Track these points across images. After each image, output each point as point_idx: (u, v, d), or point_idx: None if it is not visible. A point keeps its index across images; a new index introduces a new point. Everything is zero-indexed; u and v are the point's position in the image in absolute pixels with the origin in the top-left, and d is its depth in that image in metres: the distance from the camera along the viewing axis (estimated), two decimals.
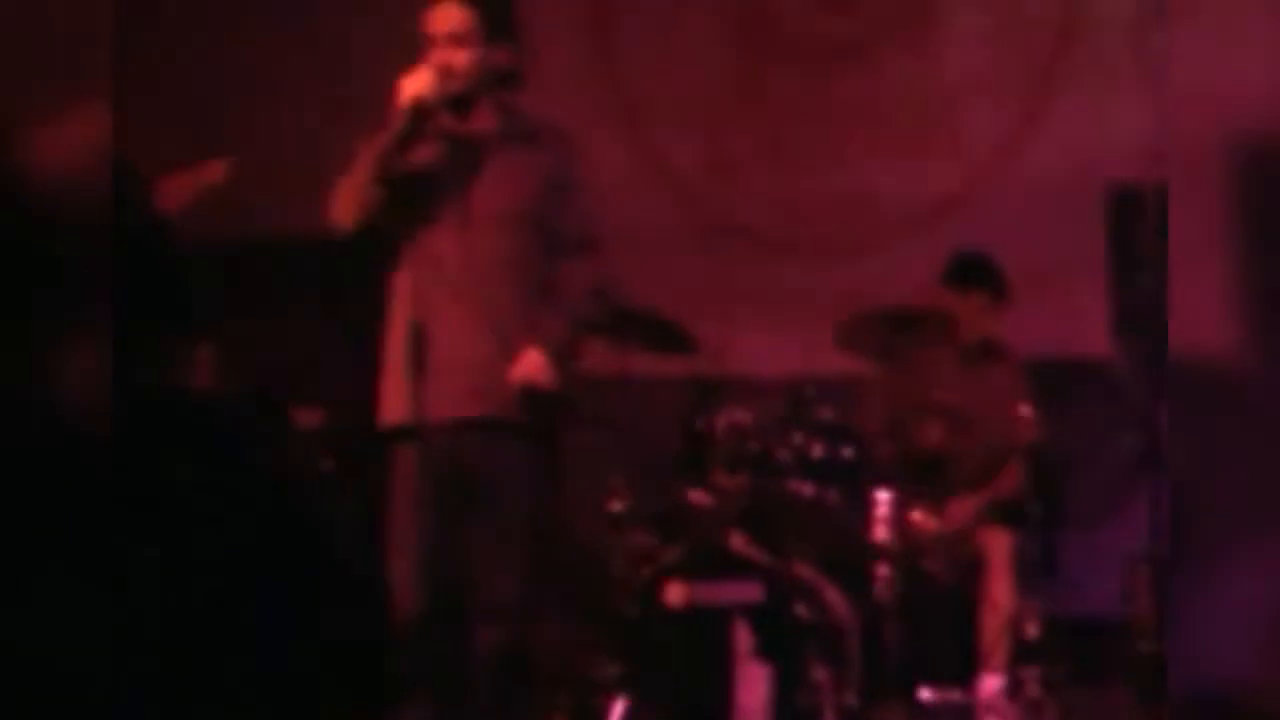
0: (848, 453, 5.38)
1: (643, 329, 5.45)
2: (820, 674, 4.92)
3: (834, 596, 5.15)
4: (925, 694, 5.23)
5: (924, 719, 5.21)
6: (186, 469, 4.16)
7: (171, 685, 3.30)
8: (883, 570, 5.28)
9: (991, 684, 5.40)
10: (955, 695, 5.29)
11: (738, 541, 5.20)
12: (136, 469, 2.95)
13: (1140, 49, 6.16)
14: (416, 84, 4.10)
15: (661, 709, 4.97)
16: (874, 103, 6.98)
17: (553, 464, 4.27)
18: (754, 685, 4.91)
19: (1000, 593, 5.55)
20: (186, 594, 3.93)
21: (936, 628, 5.42)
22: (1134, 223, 5.67)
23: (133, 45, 3.54)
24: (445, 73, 4.13)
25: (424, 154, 4.20)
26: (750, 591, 5.00)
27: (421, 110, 4.11)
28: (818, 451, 5.35)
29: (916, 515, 5.54)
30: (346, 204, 4.17)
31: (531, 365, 4.13)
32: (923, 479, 5.63)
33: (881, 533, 5.28)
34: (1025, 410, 5.50)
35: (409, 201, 4.17)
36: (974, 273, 5.94)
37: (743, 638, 4.95)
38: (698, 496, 5.31)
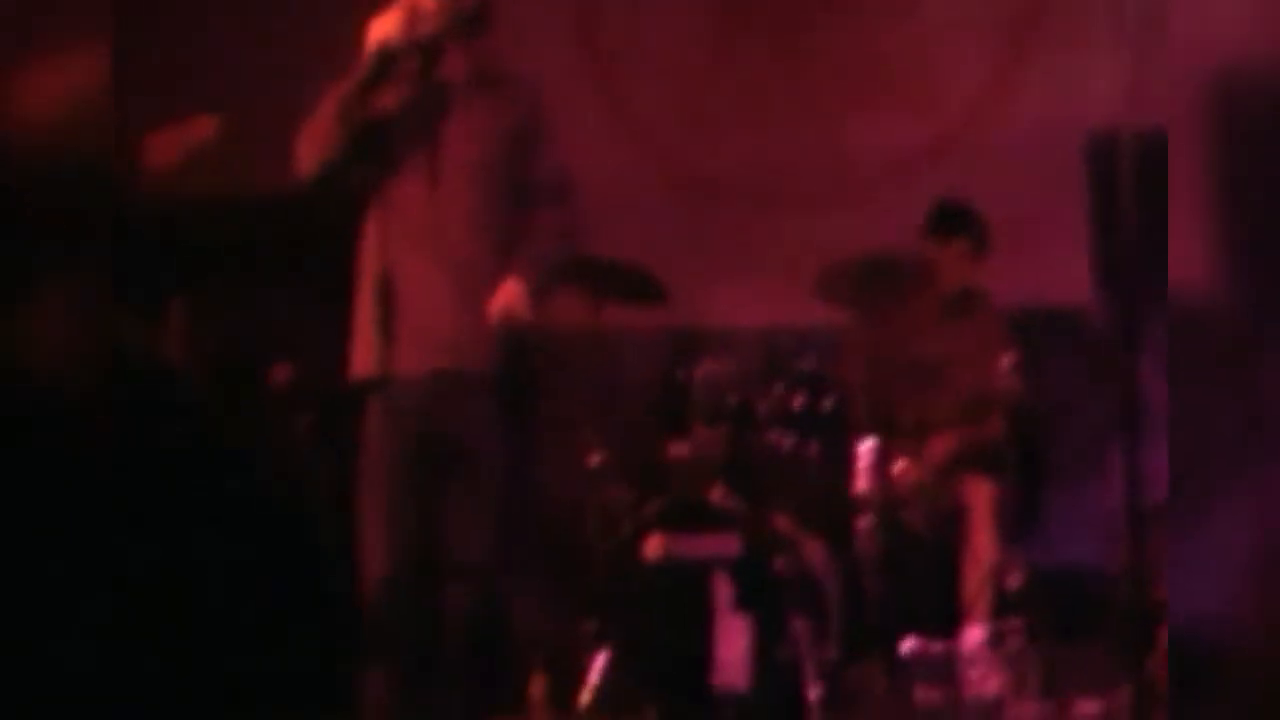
0: (828, 404, 5.35)
1: (611, 277, 5.41)
2: (800, 627, 4.90)
3: (814, 549, 5.13)
4: (907, 645, 5.20)
5: (905, 671, 5.19)
6: (158, 427, 4.11)
7: (142, 641, 3.25)
8: (863, 522, 5.25)
9: (974, 635, 5.37)
10: (937, 647, 5.27)
11: (717, 494, 5.17)
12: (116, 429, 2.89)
13: None
14: (384, 26, 4.02)
15: (642, 663, 4.94)
16: (851, 54, 6.93)
17: (528, 418, 4.20)
18: (734, 638, 4.88)
19: (982, 544, 5.54)
20: (154, 555, 3.89)
21: (918, 579, 5.40)
22: (1114, 172, 5.63)
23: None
24: (413, 14, 4.04)
25: (391, 100, 4.11)
26: (729, 545, 4.98)
27: (388, 53, 4.03)
28: (798, 403, 5.31)
29: (898, 467, 5.52)
30: (309, 149, 4.09)
31: (510, 294, 4.04)
32: (902, 428, 5.60)
33: (862, 484, 5.25)
34: (1006, 360, 5.47)
35: (375, 149, 4.10)
36: (955, 221, 5.92)
37: (723, 591, 4.92)
38: (677, 450, 5.28)
